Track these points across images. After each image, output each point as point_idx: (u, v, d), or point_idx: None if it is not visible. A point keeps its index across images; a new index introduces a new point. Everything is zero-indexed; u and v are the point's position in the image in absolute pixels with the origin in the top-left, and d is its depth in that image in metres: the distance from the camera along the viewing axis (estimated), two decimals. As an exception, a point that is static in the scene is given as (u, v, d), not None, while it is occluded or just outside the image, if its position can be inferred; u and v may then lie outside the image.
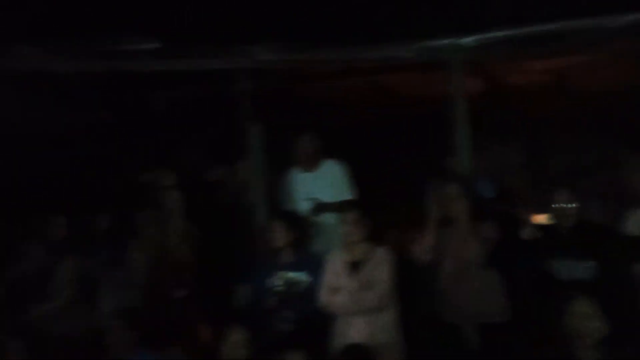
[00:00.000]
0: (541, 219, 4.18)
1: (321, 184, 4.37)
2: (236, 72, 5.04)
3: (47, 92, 5.74)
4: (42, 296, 4.36)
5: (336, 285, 3.66)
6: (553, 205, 3.76)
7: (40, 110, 6.04)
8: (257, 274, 4.00)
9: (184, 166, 5.03)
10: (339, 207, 4.06)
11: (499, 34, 4.40)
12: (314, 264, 3.88)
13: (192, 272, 4.14)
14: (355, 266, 3.69)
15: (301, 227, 4.07)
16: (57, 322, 4.18)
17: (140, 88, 5.64)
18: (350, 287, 3.62)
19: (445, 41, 4.50)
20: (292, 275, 3.86)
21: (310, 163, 4.46)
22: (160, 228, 4.21)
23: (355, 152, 4.94)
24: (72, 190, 5.08)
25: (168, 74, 5.01)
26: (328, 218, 4.33)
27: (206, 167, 5.07)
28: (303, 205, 4.37)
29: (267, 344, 3.39)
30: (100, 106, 5.71)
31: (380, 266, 3.67)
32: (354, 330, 3.54)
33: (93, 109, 5.81)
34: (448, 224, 3.84)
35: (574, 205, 3.71)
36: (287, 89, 5.37)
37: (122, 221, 4.52)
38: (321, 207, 4.31)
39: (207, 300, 4.06)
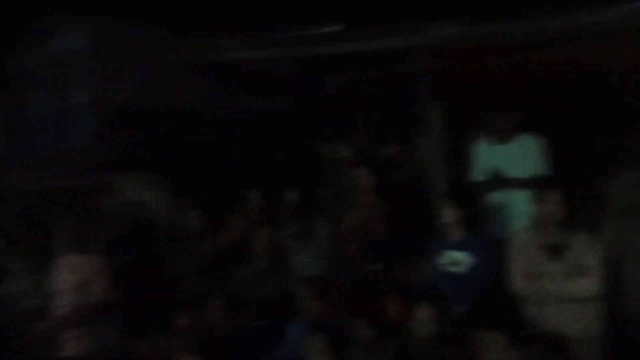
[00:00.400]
0: None
1: (514, 157, 3.95)
2: (416, 50, 4.88)
3: (239, 79, 6.15)
4: (240, 263, 4.66)
5: (535, 270, 3.25)
6: None
7: (233, 95, 6.50)
8: (428, 251, 3.84)
9: (365, 144, 5.03)
10: (533, 184, 3.66)
11: None
12: (482, 245, 3.60)
13: (383, 246, 4.10)
14: (555, 250, 3.25)
15: (472, 205, 3.81)
16: (253, 287, 4.44)
17: (323, 70, 5.76)
18: (556, 273, 3.20)
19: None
20: (456, 254, 3.63)
21: (504, 135, 4.05)
22: (349, 202, 4.24)
23: (544, 129, 4.48)
24: (265, 167, 5.36)
25: (351, 55, 5.03)
26: (512, 195, 3.98)
27: (386, 145, 5.02)
28: (490, 179, 4.00)
29: (453, 322, 3.22)
30: (287, 90, 5.95)
31: (590, 252, 3.22)
32: (553, 319, 3.13)
33: (280, 92, 6.09)
34: (631, 213, 3.31)
35: None
36: (469, 64, 5.08)
37: (310, 196, 4.65)
38: (509, 182, 3.90)
39: (392, 275, 4.00)
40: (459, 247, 3.64)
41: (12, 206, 9.15)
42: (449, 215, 3.71)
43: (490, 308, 3.24)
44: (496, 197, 3.99)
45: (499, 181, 3.90)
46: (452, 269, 3.63)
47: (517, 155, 3.95)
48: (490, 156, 4.04)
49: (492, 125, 4.06)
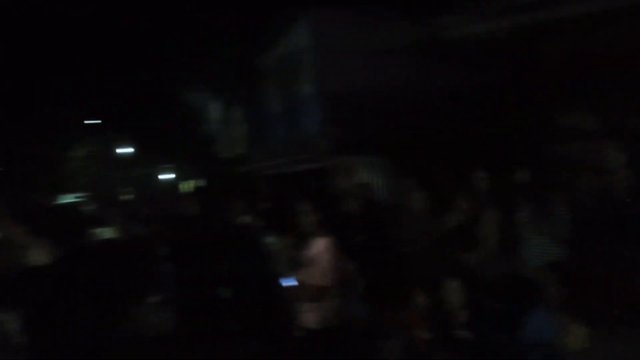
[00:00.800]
0: None
1: None
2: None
3: (462, 55, 5.88)
4: (469, 245, 4.47)
5: None
6: None
7: (457, 73, 6.24)
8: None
9: (611, 115, 4.40)
10: None
11: None
12: None
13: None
14: None
15: None
16: (485, 268, 4.22)
17: (551, 36, 5.20)
18: None
19: None
20: None
21: None
22: (593, 181, 3.76)
23: None
24: (494, 145, 5.07)
25: (582, 17, 4.44)
26: None
27: (636, 115, 4.33)
28: None
29: None
30: (512, 61, 5.52)
31: None
32: None
33: (505, 64, 5.67)
34: None
35: None
36: None
37: (544, 173, 4.26)
38: None
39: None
40: None
41: (259, 189, 10.26)
42: None
43: None
44: None
45: None
46: None
47: None
48: None
49: None
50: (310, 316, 4.03)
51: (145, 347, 4.32)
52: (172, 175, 21.44)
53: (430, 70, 6.61)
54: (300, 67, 10.36)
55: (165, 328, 5.02)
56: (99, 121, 24.27)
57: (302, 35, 9.93)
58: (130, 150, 23.11)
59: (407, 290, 3.96)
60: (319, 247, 4.04)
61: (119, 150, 23.26)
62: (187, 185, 18.60)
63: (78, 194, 17.51)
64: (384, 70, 7.76)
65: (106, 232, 4.97)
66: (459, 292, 3.66)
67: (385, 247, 4.60)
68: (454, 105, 6.03)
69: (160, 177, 21.99)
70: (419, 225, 4.85)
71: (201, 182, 16.54)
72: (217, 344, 5.07)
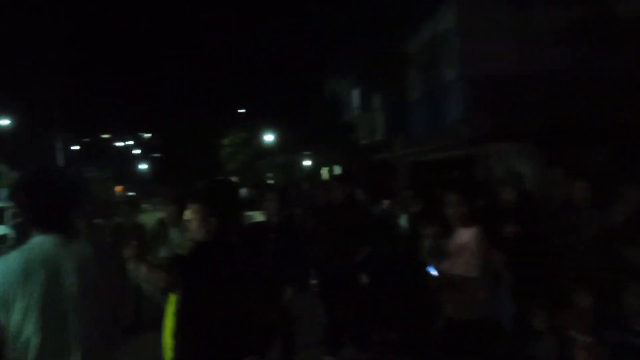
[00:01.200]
0: None
1: None
2: None
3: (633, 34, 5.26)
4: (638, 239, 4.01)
5: None
6: None
7: (623, 54, 5.61)
8: None
9: None
10: None
11: None
12: None
13: None
14: None
15: None
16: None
17: None
18: None
19: None
20: None
21: None
22: None
23: None
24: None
25: None
26: None
27: None
28: None
29: None
30: None
31: None
32: None
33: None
34: None
35: None
36: None
37: None
38: None
39: None
40: None
41: (401, 176, 10.18)
42: None
43: None
44: None
45: None
46: None
47: None
48: None
49: None
50: (453, 307, 3.89)
51: (290, 326, 4.51)
52: (310, 162, 22.07)
53: (593, 51, 6.00)
54: (445, 52, 10.04)
55: (310, 311, 5.20)
56: (244, 110, 25.83)
57: (447, 18, 9.59)
58: (274, 137, 24.22)
59: (564, 287, 3.65)
60: (467, 236, 3.86)
61: (264, 138, 24.51)
62: (326, 172, 19.07)
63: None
64: (537, 52, 7.23)
65: (257, 215, 5.22)
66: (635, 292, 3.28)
67: (540, 240, 4.27)
68: (620, 88, 5.43)
69: (303, 163, 22.74)
70: (579, 217, 4.45)
71: (340, 169, 16.82)
72: (359, 328, 5.14)
